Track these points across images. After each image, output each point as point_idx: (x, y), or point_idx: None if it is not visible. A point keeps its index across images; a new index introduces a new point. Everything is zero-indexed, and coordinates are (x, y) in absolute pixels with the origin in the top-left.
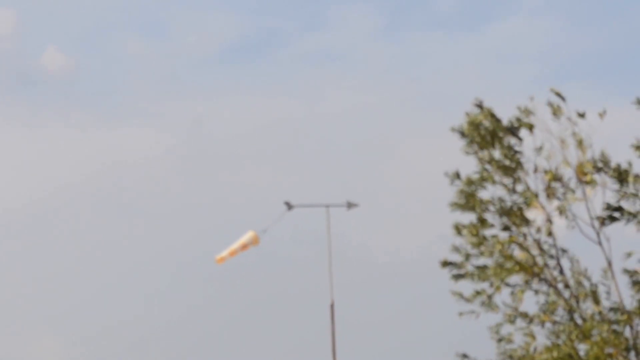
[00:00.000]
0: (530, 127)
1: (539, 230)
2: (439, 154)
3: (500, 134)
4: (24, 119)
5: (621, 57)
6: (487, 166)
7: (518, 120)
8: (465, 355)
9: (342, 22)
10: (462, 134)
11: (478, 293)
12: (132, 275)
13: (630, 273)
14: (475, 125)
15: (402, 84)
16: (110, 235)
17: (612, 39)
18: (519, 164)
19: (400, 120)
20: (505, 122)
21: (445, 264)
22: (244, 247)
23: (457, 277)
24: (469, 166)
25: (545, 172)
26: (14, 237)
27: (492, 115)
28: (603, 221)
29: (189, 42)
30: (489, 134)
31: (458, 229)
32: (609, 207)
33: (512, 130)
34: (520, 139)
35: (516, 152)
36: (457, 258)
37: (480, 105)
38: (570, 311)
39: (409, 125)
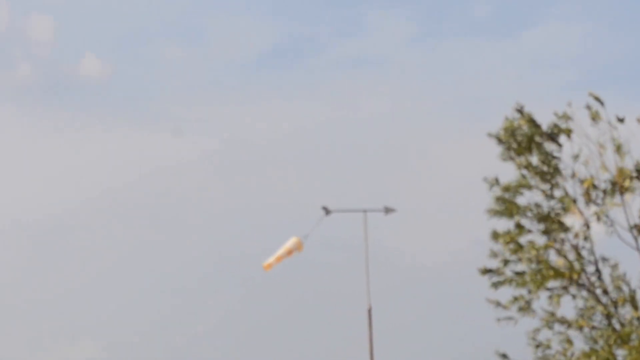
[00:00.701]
0: (569, 133)
1: (576, 235)
2: (475, 159)
3: (539, 140)
4: (61, 125)
5: None
6: (524, 171)
7: (556, 126)
8: (504, 355)
9: (378, 28)
10: (499, 140)
11: (516, 299)
12: (170, 279)
13: None
14: (511, 131)
15: (438, 90)
16: (147, 241)
17: None
18: (557, 170)
19: (436, 125)
20: (543, 127)
21: (485, 271)
22: (289, 252)
23: (497, 284)
24: (505, 171)
25: (583, 181)
26: (52, 244)
27: (532, 121)
28: None
29: (226, 48)
30: (526, 139)
31: (496, 235)
32: None
33: (552, 136)
34: (560, 145)
35: (554, 157)
36: (494, 264)
37: (520, 111)
38: (608, 316)
39: (444, 130)
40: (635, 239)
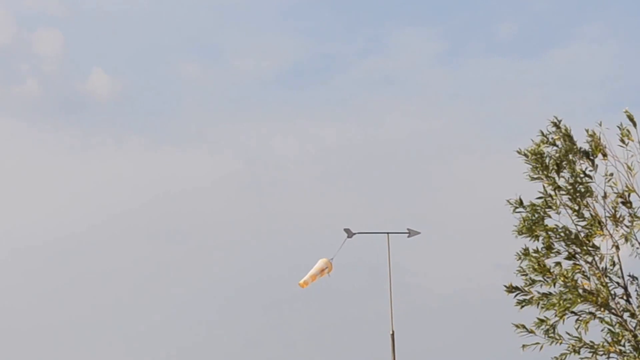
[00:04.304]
0: (604, 153)
1: (602, 258)
2: (501, 180)
3: (572, 157)
4: (71, 142)
5: None
6: (551, 191)
7: (593, 142)
8: None
9: (402, 47)
10: (527, 157)
11: (541, 321)
12: (190, 303)
13: None
14: (539, 151)
15: (463, 110)
16: (167, 263)
17: None
18: (588, 190)
19: (461, 145)
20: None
21: (511, 289)
22: (322, 272)
23: (522, 303)
24: (531, 190)
25: (619, 194)
26: (66, 267)
27: (568, 136)
28: None
29: (245, 66)
30: (560, 155)
31: (526, 253)
32: None
33: (588, 155)
34: (595, 165)
35: (586, 175)
36: (521, 282)
37: (557, 124)
38: (636, 341)
39: (469, 150)
40: None
